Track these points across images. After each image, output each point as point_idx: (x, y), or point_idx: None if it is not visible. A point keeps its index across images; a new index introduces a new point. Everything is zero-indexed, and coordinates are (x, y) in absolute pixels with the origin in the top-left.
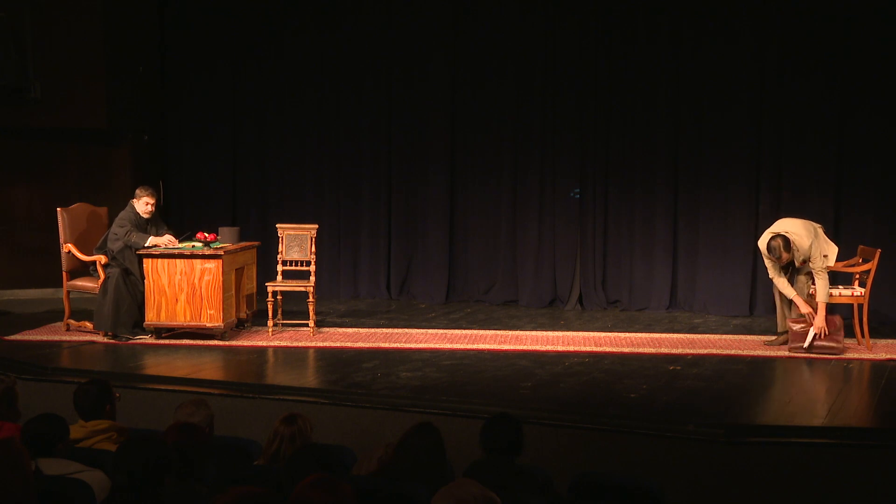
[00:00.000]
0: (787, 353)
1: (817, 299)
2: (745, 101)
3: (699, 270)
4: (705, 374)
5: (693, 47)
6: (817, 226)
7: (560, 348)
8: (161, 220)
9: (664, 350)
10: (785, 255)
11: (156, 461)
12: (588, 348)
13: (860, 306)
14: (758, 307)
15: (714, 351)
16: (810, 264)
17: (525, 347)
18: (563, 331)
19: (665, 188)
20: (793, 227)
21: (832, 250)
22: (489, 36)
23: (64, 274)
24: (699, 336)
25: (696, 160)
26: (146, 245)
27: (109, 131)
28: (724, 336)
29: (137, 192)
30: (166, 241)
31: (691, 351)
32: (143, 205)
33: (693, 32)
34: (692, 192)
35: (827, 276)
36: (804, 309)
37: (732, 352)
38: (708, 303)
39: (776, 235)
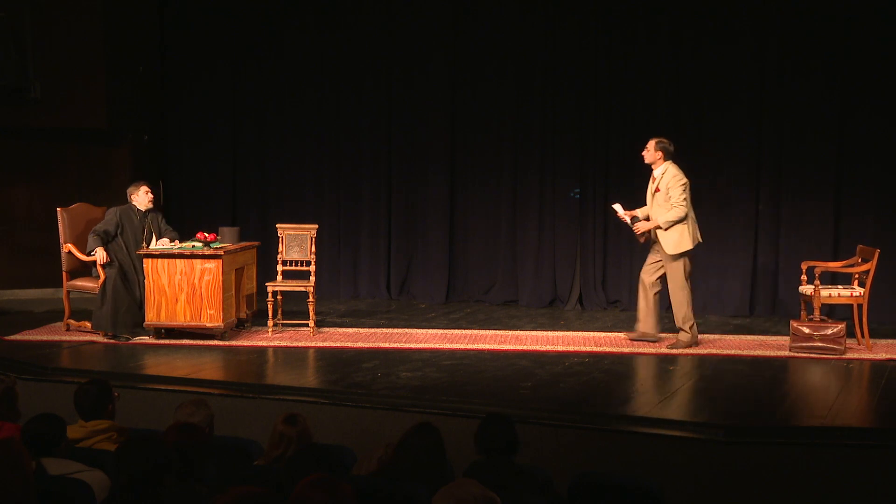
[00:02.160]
0: (787, 353)
1: (659, 219)
2: (745, 101)
3: (699, 270)
4: (705, 374)
5: (693, 47)
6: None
7: (560, 348)
8: (162, 217)
9: (664, 350)
10: (650, 148)
11: (156, 462)
12: (588, 348)
13: (860, 306)
14: (758, 308)
15: (714, 351)
16: (671, 193)
17: (525, 347)
18: (563, 331)
19: None
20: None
21: (682, 198)
22: (489, 36)
23: (64, 274)
24: (699, 336)
25: (695, 160)
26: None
27: (109, 131)
28: (723, 336)
29: (131, 189)
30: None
31: (691, 351)
32: (144, 195)
33: (693, 32)
34: (693, 192)
35: (681, 215)
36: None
37: (732, 352)
38: (707, 303)
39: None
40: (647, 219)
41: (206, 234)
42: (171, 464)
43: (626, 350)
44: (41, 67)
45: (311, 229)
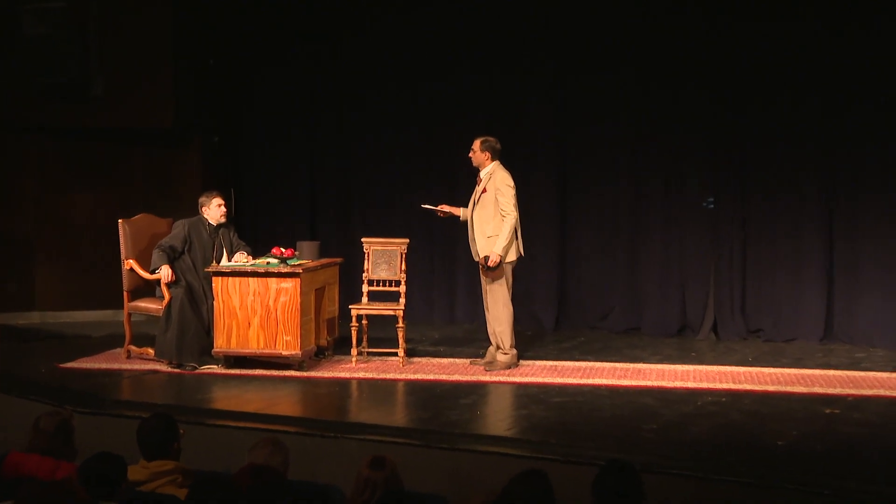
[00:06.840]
0: None
1: (495, 248)
2: None
3: (861, 293)
4: (870, 419)
5: (849, 32)
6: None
7: (691, 385)
8: (234, 231)
9: (818, 389)
10: (476, 148)
11: None
12: (724, 385)
13: None
14: None
15: (881, 392)
16: (500, 199)
17: (648, 383)
18: (695, 364)
19: (817, 193)
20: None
21: (512, 205)
22: (602, 21)
23: (125, 294)
24: (862, 373)
25: (855, 158)
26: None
27: (176, 131)
28: (893, 374)
29: (202, 199)
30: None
31: (853, 391)
32: (216, 208)
33: (848, 14)
34: (852, 198)
35: (513, 224)
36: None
37: None
38: (873, 333)
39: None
40: (465, 219)
41: (283, 250)
42: None
43: (770, 388)
44: (104, 61)
45: (401, 244)
